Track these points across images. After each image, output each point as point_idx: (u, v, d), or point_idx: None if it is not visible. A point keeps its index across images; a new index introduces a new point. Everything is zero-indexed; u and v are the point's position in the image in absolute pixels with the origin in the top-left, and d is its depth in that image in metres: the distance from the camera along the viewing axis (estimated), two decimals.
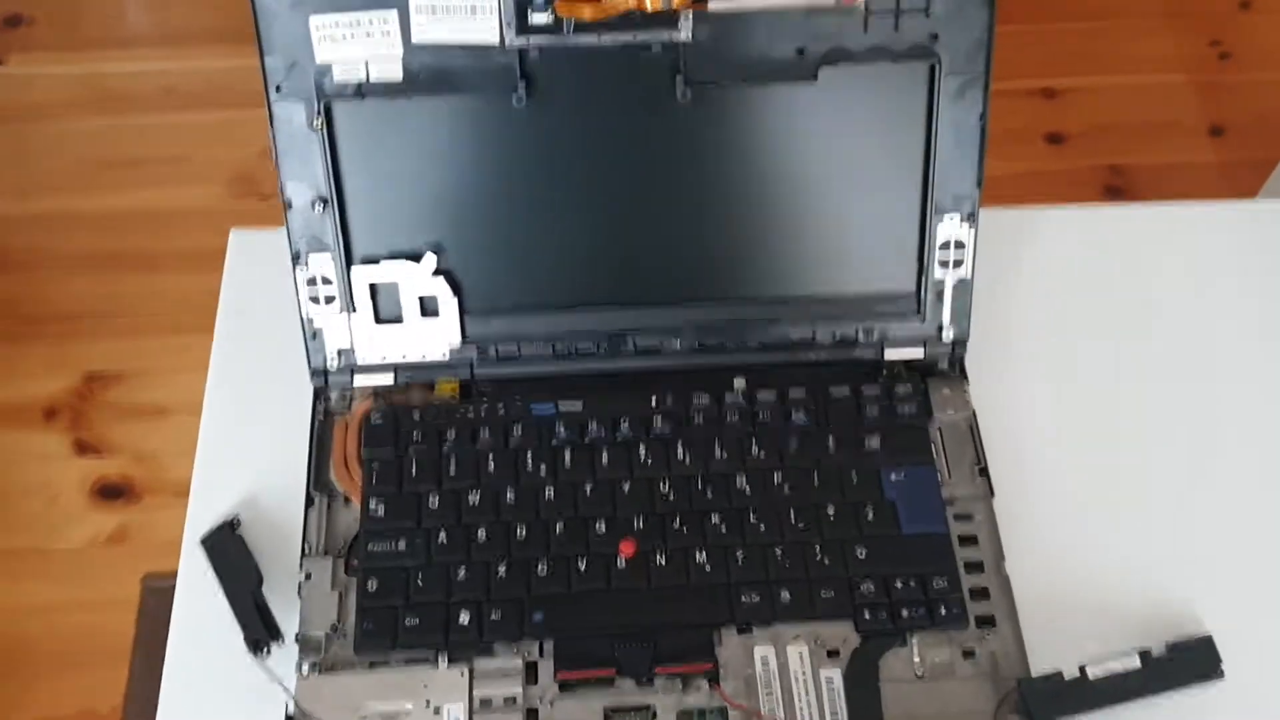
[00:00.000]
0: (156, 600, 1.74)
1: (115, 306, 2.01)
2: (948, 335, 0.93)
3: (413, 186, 0.88)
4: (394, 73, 0.84)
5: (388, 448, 0.90)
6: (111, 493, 1.85)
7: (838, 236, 0.91)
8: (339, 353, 0.91)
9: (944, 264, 0.91)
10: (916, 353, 0.93)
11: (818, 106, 0.87)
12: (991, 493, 0.89)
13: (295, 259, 0.89)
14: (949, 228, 0.90)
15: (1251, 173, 2.08)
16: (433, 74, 0.85)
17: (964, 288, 0.91)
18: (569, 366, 0.93)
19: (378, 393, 0.93)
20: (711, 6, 0.82)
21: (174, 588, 1.74)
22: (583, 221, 0.90)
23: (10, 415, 1.91)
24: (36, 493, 1.85)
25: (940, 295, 0.92)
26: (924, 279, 0.91)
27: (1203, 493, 0.92)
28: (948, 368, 0.94)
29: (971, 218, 0.90)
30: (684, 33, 0.83)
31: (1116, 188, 2.10)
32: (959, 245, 0.90)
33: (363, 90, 0.85)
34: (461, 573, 0.85)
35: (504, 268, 0.91)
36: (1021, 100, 2.21)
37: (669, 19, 0.83)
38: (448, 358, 0.92)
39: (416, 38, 0.83)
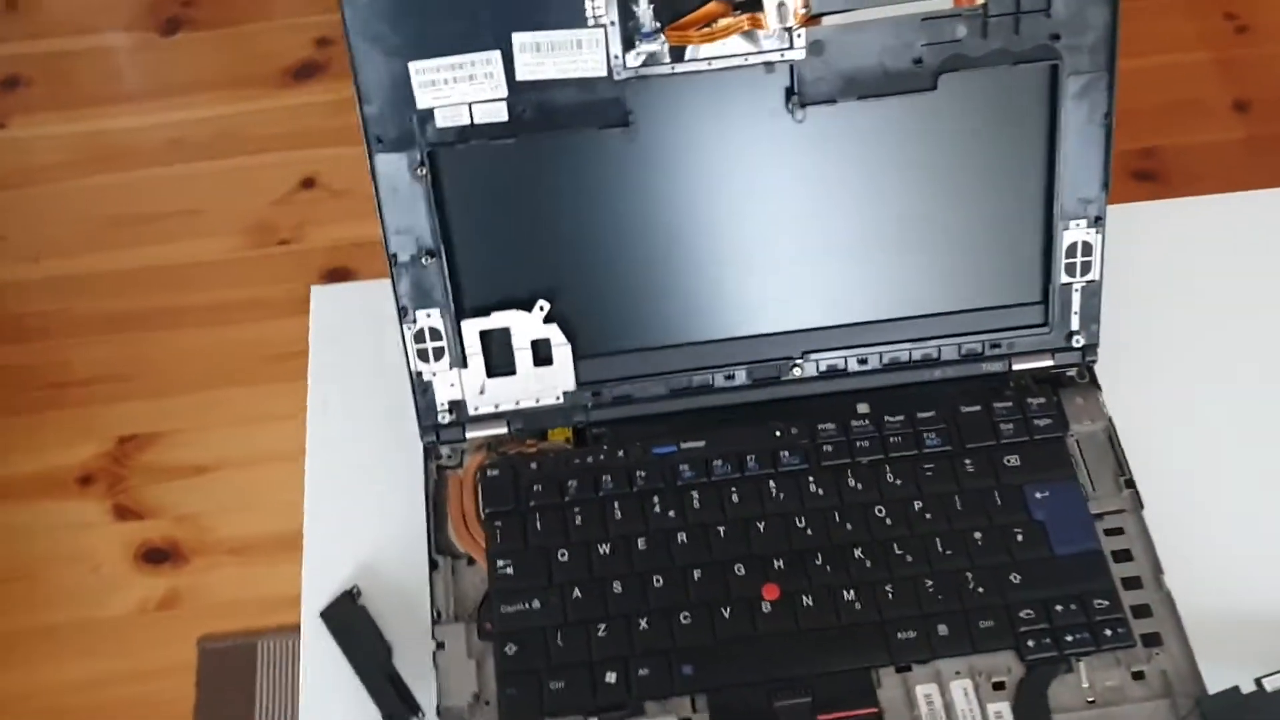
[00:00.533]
0: (215, 663, 1.70)
1: (139, 367, 1.97)
2: (1077, 342, 0.89)
3: (520, 230, 0.85)
4: (498, 114, 0.81)
5: (509, 503, 0.86)
6: (157, 557, 1.80)
7: (959, 249, 0.88)
8: (450, 406, 0.88)
9: (1070, 270, 0.87)
10: (1046, 362, 0.90)
11: (936, 116, 0.84)
12: (1141, 504, 0.85)
13: (402, 315, 0.85)
14: (1075, 232, 0.87)
15: None
16: (538, 112, 0.81)
17: (1092, 292, 0.88)
18: (685, 403, 0.89)
19: (489, 445, 0.89)
20: (826, 21, 0.79)
21: (232, 649, 1.70)
22: (695, 252, 0.87)
23: (45, 485, 1.87)
24: (79, 562, 1.80)
25: (1068, 302, 0.88)
26: (1050, 286, 0.88)
27: None
28: (1077, 376, 0.91)
29: (1098, 221, 0.86)
30: (799, 51, 0.80)
31: (1147, 171, 2.07)
32: (1086, 249, 0.87)
33: (467, 134, 0.81)
34: (601, 629, 0.81)
35: (615, 306, 0.88)
36: None
37: (783, 38, 0.80)
38: (561, 402, 0.88)
39: (521, 76, 0.80)
